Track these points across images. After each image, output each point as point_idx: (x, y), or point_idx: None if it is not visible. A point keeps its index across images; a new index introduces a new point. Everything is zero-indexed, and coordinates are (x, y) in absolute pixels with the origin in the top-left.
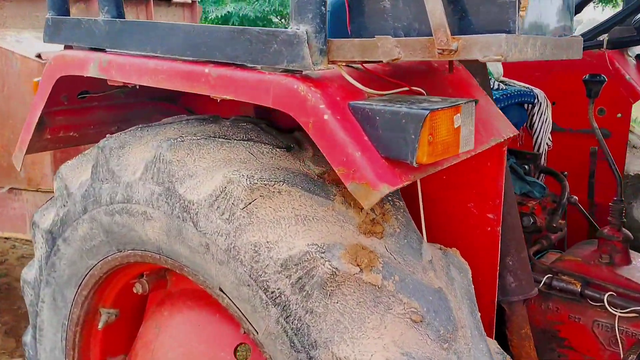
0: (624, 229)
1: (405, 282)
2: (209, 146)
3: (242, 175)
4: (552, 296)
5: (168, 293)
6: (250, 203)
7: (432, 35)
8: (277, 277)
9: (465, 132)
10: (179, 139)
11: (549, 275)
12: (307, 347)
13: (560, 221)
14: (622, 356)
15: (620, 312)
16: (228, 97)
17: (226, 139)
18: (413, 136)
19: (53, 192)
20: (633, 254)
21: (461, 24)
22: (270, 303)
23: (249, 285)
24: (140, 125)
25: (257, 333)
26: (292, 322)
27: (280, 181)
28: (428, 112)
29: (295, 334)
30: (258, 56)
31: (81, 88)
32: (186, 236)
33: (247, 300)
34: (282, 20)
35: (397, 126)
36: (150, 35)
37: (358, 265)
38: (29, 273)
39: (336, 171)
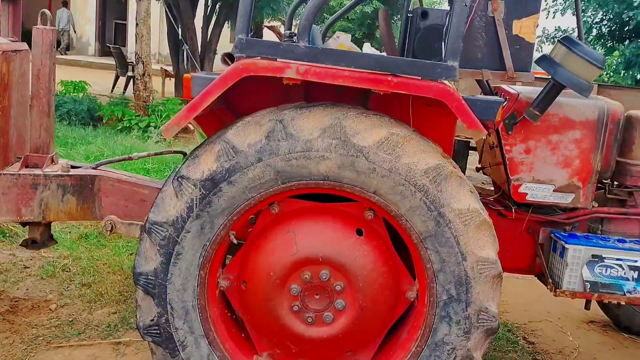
0: None
1: None
2: (360, 116)
3: (394, 129)
4: None
5: (280, 214)
6: (399, 145)
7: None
8: (421, 177)
9: None
10: (344, 113)
11: None
12: (438, 208)
13: None
14: None
15: None
16: (403, 92)
17: (370, 113)
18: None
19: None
20: None
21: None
22: (416, 191)
23: (403, 184)
24: (298, 104)
25: (400, 208)
26: (428, 197)
27: (410, 132)
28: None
29: (431, 202)
30: (425, 73)
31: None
32: (357, 166)
33: (400, 193)
34: None
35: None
36: (345, 58)
37: (454, 168)
38: (159, 216)
39: (469, 129)
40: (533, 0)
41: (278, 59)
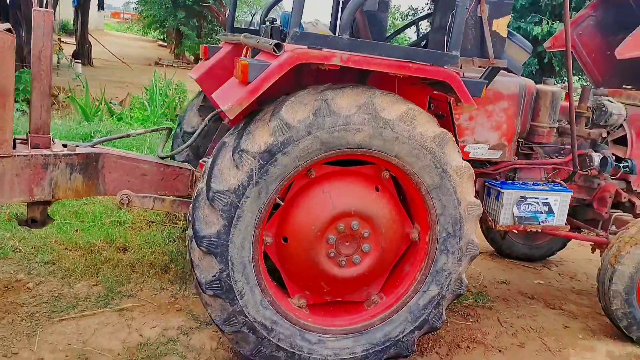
0: None
1: None
2: (385, 95)
3: (411, 106)
4: None
5: (315, 178)
6: (415, 117)
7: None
8: (431, 142)
9: None
10: (373, 93)
11: None
12: (442, 166)
13: None
14: None
15: None
16: (420, 76)
17: (387, 92)
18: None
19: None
20: None
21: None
22: (427, 152)
23: (418, 149)
24: (328, 86)
25: (414, 167)
26: (435, 158)
27: (418, 107)
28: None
29: (437, 161)
30: (436, 61)
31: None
32: (384, 135)
33: (415, 155)
34: None
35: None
36: (378, 48)
37: (450, 134)
38: (220, 185)
39: (465, 104)
40: (507, 4)
41: (324, 49)
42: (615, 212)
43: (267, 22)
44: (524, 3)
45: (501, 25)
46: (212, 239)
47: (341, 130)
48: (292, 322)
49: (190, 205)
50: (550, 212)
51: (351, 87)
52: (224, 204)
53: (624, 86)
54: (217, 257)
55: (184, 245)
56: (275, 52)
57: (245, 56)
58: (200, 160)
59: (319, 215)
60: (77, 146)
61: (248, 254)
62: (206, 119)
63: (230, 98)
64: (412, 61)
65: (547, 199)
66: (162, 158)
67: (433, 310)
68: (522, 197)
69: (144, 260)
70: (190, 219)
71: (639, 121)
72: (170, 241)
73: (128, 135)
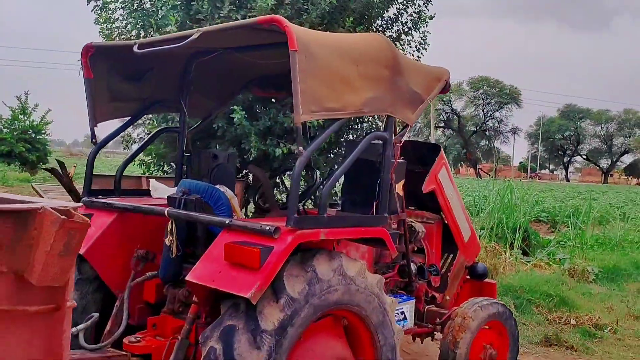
0: None
1: None
2: (346, 256)
3: (361, 262)
4: None
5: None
6: (364, 270)
7: None
8: (375, 287)
9: None
10: (339, 256)
11: None
12: (382, 305)
13: None
14: None
15: None
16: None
17: (344, 254)
18: None
19: None
20: None
21: None
22: (375, 296)
23: (370, 295)
24: (311, 254)
25: (367, 311)
26: (379, 300)
27: (364, 261)
28: None
29: (380, 302)
30: (377, 223)
31: None
32: (351, 290)
33: (368, 301)
34: None
35: None
36: (344, 220)
37: None
38: None
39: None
40: (402, 170)
41: (313, 229)
42: (427, 306)
43: (180, 193)
44: (261, 128)
45: (399, 186)
46: None
47: (326, 293)
48: None
49: None
50: (405, 318)
51: (323, 254)
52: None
53: (410, 207)
54: None
55: None
56: (274, 236)
57: (172, 229)
58: (126, 341)
59: None
60: None
61: None
62: (124, 297)
63: (247, 285)
64: (363, 226)
65: (402, 308)
66: (97, 349)
67: None
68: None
69: None
70: None
71: (430, 234)
72: None
73: None
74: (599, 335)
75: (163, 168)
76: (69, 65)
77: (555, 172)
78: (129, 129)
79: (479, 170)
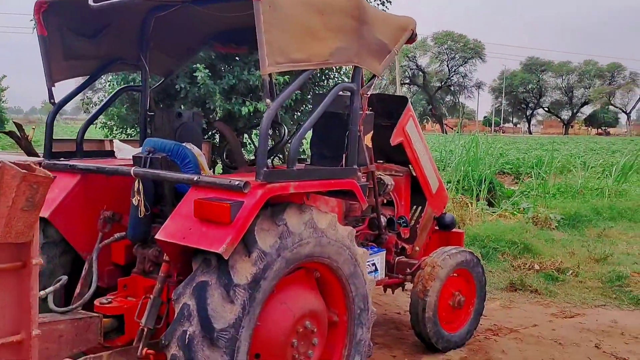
0: None
1: None
2: (316, 209)
3: (331, 214)
4: None
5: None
6: (335, 222)
7: None
8: (346, 239)
9: None
10: (310, 209)
11: None
12: (354, 256)
13: None
14: None
15: None
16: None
17: (315, 206)
18: None
19: None
20: None
21: None
22: (346, 248)
23: (341, 247)
24: (281, 207)
25: (339, 263)
26: (350, 251)
27: (335, 214)
28: None
29: (351, 254)
30: (348, 176)
31: None
32: (322, 242)
33: (339, 253)
34: None
35: None
36: (314, 173)
37: None
38: (220, 324)
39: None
40: (370, 122)
41: (283, 182)
42: (397, 258)
43: (146, 152)
44: (225, 87)
45: (368, 138)
46: None
47: (298, 246)
48: None
49: (172, 355)
50: (376, 270)
51: (294, 208)
52: (226, 340)
53: (378, 161)
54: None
55: None
56: (243, 190)
57: (138, 188)
58: (97, 302)
59: (284, 326)
60: None
61: None
62: (92, 259)
63: (218, 240)
64: (333, 178)
65: (373, 260)
66: (67, 311)
67: None
68: None
69: None
70: None
71: (398, 187)
72: None
73: None
74: (562, 279)
75: (126, 131)
76: (24, 29)
77: (518, 126)
78: (89, 93)
79: (445, 125)
